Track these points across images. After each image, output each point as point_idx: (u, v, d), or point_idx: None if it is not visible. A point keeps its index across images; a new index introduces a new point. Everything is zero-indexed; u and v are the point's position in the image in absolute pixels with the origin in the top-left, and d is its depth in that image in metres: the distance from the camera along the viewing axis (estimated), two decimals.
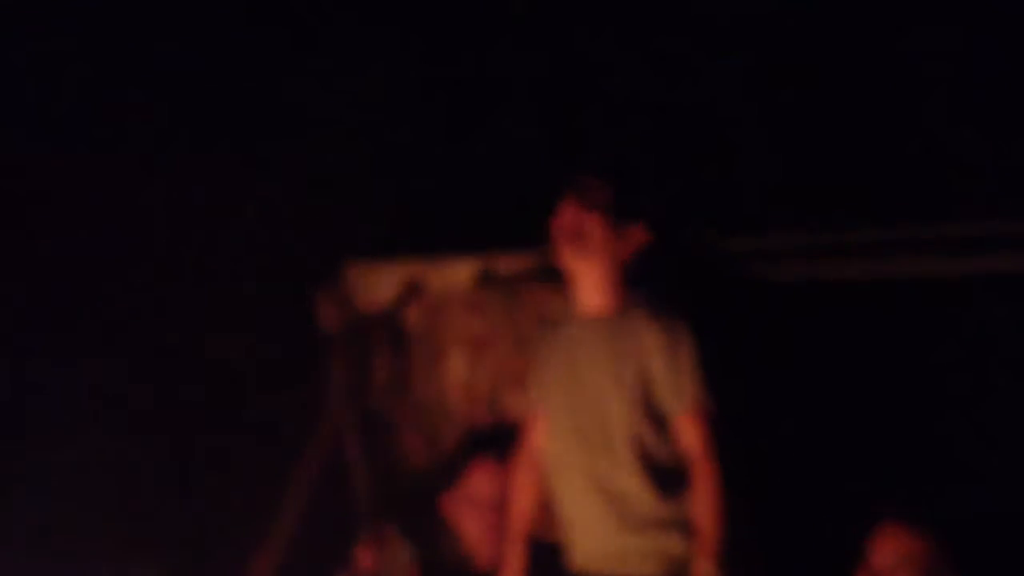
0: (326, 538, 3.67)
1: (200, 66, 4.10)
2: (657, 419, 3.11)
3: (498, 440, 3.50)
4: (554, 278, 3.51)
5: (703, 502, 3.07)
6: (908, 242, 3.39)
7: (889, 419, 3.56)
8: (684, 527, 3.10)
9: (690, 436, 3.11)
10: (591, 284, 3.19)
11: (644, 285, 3.20)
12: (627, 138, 3.94)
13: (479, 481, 3.47)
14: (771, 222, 3.63)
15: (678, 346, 3.12)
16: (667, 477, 3.11)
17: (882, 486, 3.45)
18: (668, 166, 3.79)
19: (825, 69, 3.75)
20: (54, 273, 4.08)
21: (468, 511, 3.47)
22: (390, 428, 3.81)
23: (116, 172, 4.05)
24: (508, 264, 3.65)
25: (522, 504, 3.25)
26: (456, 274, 3.68)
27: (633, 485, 3.09)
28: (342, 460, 3.74)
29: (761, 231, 3.61)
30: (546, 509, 3.32)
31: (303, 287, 3.85)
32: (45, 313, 4.07)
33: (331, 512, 3.73)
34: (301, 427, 3.84)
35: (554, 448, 3.21)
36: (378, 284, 3.76)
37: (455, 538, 3.55)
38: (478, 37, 4.12)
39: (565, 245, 3.16)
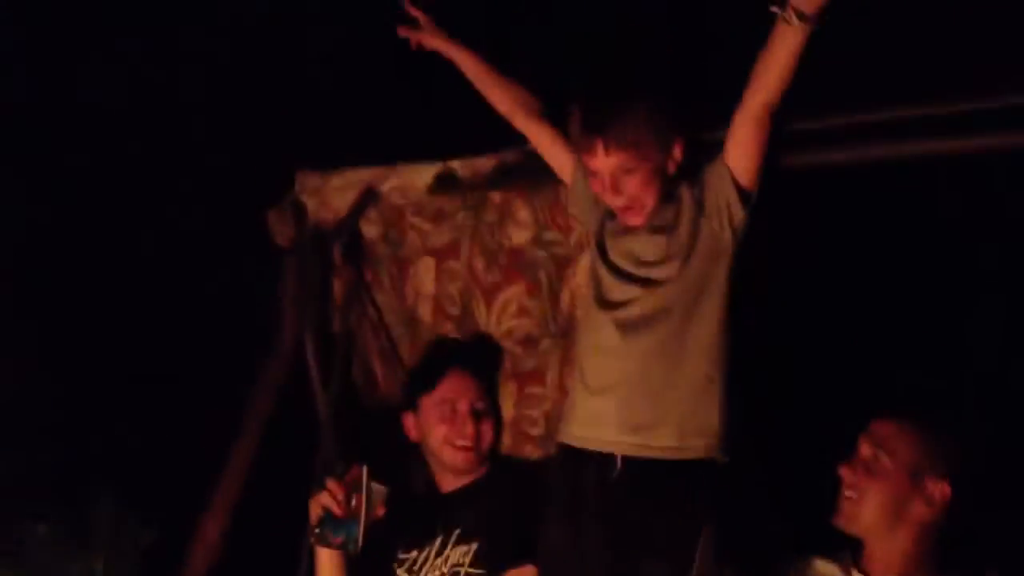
0: (286, 473, 3.40)
1: None
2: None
3: (470, 354, 3.32)
4: (517, 180, 3.25)
5: None
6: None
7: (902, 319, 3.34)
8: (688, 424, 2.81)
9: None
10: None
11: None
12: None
13: (451, 386, 3.25)
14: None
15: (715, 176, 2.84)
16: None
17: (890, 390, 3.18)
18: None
19: None
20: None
21: (437, 414, 3.24)
22: (354, 352, 3.55)
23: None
24: (467, 168, 3.34)
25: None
26: (414, 179, 3.38)
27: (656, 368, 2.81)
28: (302, 389, 3.48)
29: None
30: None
31: (255, 202, 3.59)
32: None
33: (290, 444, 3.48)
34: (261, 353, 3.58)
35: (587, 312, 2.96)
36: (331, 194, 3.47)
37: (423, 464, 3.33)
38: None
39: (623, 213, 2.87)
